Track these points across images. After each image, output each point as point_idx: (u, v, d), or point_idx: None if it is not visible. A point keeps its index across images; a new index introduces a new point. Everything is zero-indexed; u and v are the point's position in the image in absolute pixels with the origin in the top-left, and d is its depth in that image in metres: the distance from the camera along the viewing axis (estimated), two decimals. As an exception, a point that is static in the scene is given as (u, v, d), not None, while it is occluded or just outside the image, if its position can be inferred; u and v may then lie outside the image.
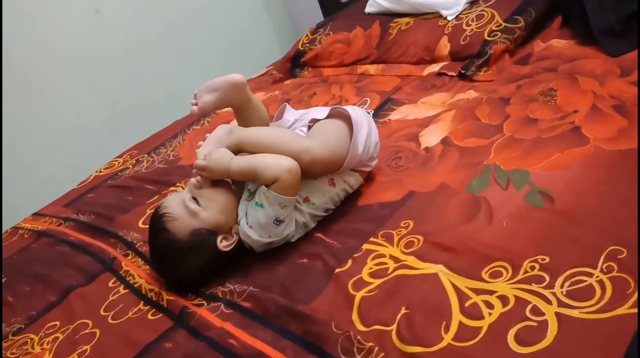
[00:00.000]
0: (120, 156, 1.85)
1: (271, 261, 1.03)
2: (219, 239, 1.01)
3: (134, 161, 1.75)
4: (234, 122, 1.72)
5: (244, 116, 1.21)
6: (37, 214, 1.62)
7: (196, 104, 1.16)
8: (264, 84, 2.09)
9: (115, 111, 2.28)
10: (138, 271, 1.14)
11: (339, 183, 1.10)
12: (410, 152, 1.24)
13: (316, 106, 1.65)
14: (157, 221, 1.01)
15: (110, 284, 1.15)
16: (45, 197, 1.74)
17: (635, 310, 0.68)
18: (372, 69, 1.83)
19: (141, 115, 2.31)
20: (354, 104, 1.54)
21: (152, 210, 1.20)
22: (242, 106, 1.19)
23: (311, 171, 1.04)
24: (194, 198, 1.02)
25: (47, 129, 2.11)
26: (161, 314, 1.00)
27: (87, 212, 1.49)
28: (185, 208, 1.01)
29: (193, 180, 1.05)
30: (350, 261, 0.95)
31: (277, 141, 1.04)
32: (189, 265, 1.01)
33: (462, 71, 1.53)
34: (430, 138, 1.27)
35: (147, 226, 1.08)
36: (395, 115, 1.45)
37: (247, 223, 1.01)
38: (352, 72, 1.87)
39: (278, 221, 1.00)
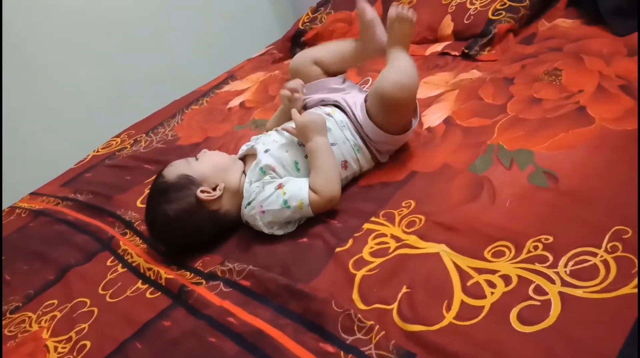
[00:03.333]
0: (117, 136, 1.83)
1: (271, 240, 1.02)
2: (200, 189, 1.05)
3: (132, 141, 1.73)
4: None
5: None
6: (34, 194, 1.61)
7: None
8: (264, 64, 2.06)
9: (117, 87, 2.25)
10: (136, 250, 1.13)
11: (350, 167, 1.11)
12: (413, 132, 1.22)
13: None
14: (161, 170, 1.12)
15: (108, 263, 1.14)
16: (42, 177, 1.72)
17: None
18: (373, 48, 1.79)
19: (143, 92, 2.29)
20: (357, 84, 1.51)
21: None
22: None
23: (398, 100, 1.04)
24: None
25: (46, 106, 2.08)
26: (160, 293, 0.99)
27: (84, 191, 1.48)
28: (186, 160, 1.12)
29: (286, 91, 1.15)
30: (350, 241, 0.94)
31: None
32: (169, 206, 1.03)
33: (466, 51, 1.51)
34: (433, 117, 1.25)
35: (145, 205, 1.10)
36: (397, 95, 1.43)
37: (262, 207, 1.01)
38: (353, 52, 1.84)
39: (289, 222, 1.03)
